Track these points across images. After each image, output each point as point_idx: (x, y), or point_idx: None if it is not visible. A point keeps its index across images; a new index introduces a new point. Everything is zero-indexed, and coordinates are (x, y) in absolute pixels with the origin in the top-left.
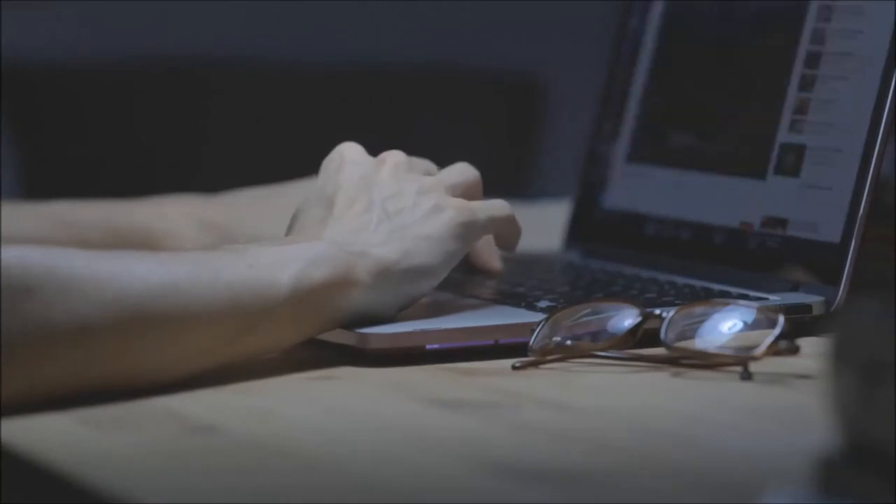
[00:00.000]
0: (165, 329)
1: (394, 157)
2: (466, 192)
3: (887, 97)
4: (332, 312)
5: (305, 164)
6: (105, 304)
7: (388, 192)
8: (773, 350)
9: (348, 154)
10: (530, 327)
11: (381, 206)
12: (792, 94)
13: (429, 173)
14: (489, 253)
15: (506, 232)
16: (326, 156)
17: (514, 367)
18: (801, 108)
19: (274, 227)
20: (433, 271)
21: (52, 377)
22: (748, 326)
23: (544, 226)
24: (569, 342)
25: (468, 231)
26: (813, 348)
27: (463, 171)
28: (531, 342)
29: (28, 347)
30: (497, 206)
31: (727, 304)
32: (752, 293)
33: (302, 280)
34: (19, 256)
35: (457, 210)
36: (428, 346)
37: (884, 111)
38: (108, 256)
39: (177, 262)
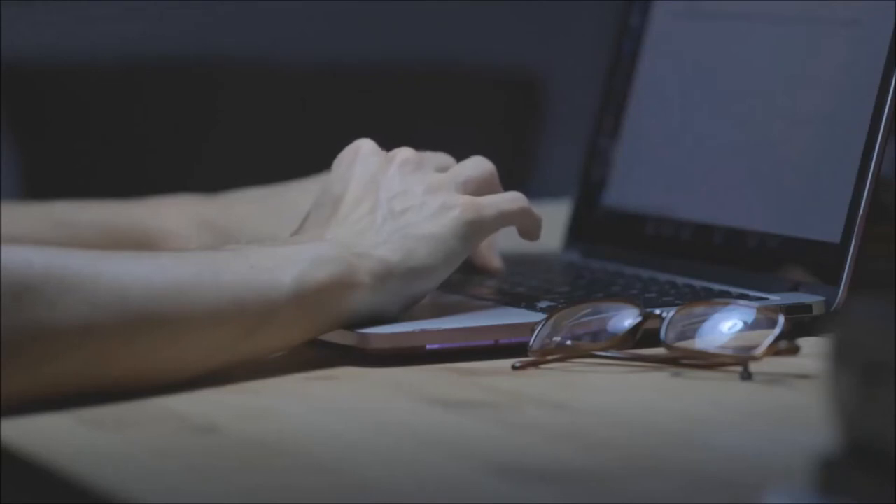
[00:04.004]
0: (167, 330)
1: (403, 154)
2: (480, 187)
3: (887, 97)
4: (335, 313)
5: (306, 163)
6: (106, 306)
7: (395, 191)
8: (773, 350)
9: (360, 151)
10: (530, 327)
11: (387, 205)
12: (792, 93)
13: (443, 168)
14: (489, 252)
15: (522, 224)
16: (327, 155)
17: (514, 367)
18: (800, 107)
19: (273, 227)
20: (435, 271)
21: (53, 378)
22: (748, 326)
23: (544, 226)
24: (569, 342)
25: (474, 229)
26: (813, 348)
27: (477, 165)
28: (531, 342)
29: (29, 348)
30: (508, 200)
31: (727, 304)
32: (752, 293)
33: (304, 281)
34: (21, 257)
35: (462, 208)
36: (428, 346)
37: (884, 111)
38: (110, 257)
39: (179, 263)
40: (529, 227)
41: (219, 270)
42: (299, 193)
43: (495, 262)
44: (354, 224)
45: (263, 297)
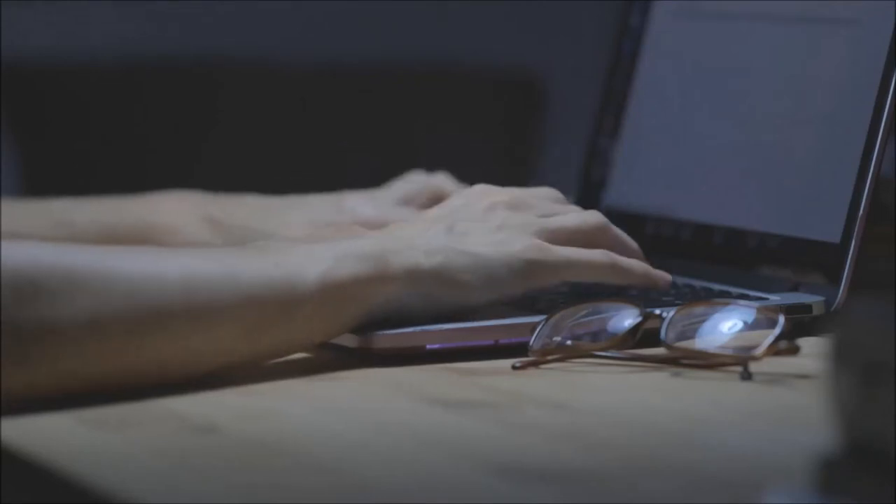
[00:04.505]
0: (180, 328)
1: (504, 196)
2: (575, 238)
3: (887, 97)
4: (360, 310)
5: (306, 163)
6: (114, 302)
7: (466, 218)
8: (773, 350)
9: (472, 188)
10: (530, 327)
11: (450, 225)
12: (792, 93)
13: (543, 213)
14: None
15: (614, 280)
16: (326, 155)
17: (514, 367)
18: (800, 107)
19: (273, 228)
20: (470, 288)
21: (59, 376)
22: (748, 326)
23: None
24: (569, 342)
25: (531, 269)
26: (813, 348)
27: (579, 217)
28: (531, 342)
29: (35, 345)
30: (586, 253)
31: (727, 304)
32: (752, 293)
33: (328, 277)
34: (27, 253)
35: (525, 247)
36: (428, 346)
37: (884, 111)
38: (121, 252)
39: (196, 260)
40: (635, 283)
41: (240, 268)
42: (294, 204)
43: None
44: (406, 231)
45: (285, 294)
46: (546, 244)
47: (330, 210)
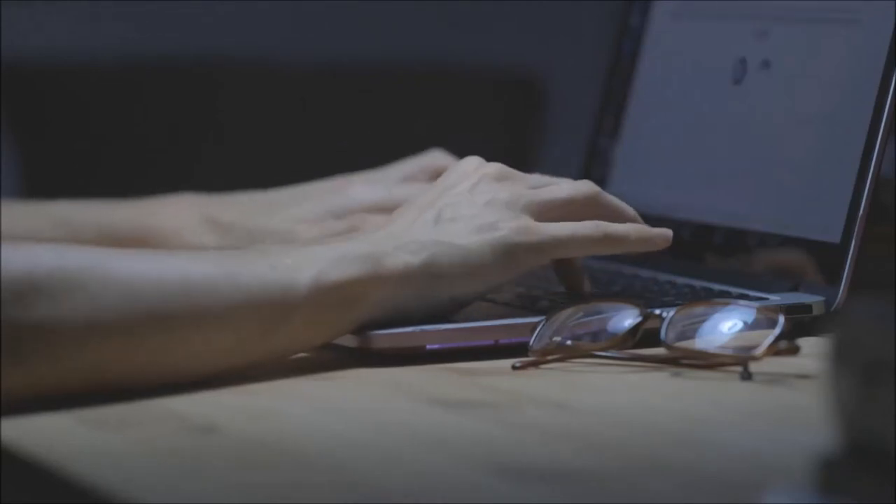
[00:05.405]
0: (178, 330)
1: (490, 168)
2: (567, 211)
3: (887, 97)
4: (356, 312)
5: (306, 163)
6: (113, 303)
7: (454, 200)
8: (773, 350)
9: (459, 163)
10: (530, 327)
11: (438, 212)
12: (792, 93)
13: (533, 185)
14: (574, 273)
15: (606, 251)
16: (325, 156)
17: (514, 367)
18: (801, 107)
19: (272, 226)
20: (458, 281)
21: (58, 377)
22: (748, 326)
23: None
24: (569, 342)
25: (518, 252)
26: (813, 348)
27: (568, 188)
28: (531, 342)
29: (35, 345)
30: (571, 227)
31: (727, 304)
32: (752, 293)
33: (321, 280)
34: (27, 255)
35: (511, 230)
36: (428, 346)
37: (884, 111)
38: (120, 254)
39: (195, 262)
40: (632, 249)
41: (237, 271)
42: (295, 196)
43: (580, 285)
44: (398, 228)
45: (280, 297)
46: (533, 224)
47: (334, 200)
